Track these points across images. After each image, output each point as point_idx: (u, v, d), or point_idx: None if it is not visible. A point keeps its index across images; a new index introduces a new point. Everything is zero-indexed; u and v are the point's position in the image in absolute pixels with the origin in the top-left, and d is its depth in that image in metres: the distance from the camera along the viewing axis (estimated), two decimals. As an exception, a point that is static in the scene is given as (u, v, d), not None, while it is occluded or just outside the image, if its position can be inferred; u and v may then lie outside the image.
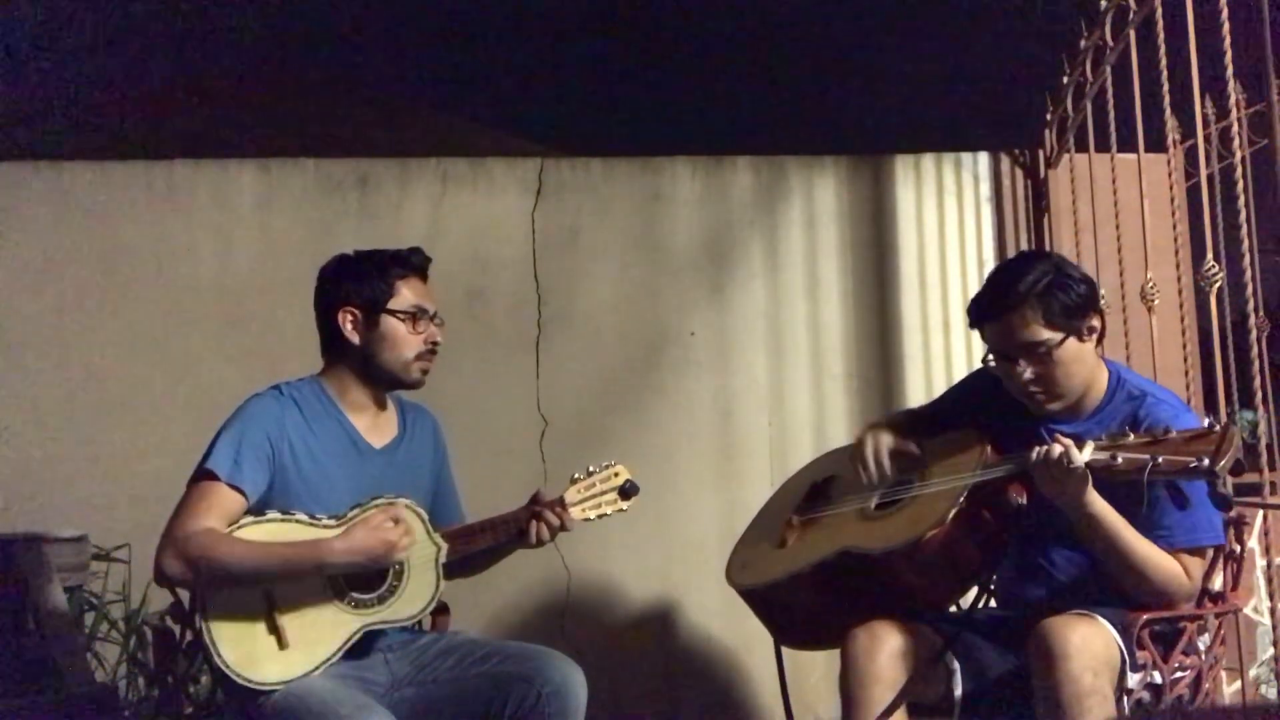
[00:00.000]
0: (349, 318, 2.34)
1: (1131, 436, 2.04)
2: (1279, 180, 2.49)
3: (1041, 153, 3.86)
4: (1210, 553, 2.28)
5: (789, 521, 2.52)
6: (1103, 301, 2.38)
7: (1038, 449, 2.09)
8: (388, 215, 3.68)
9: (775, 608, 2.51)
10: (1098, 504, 2.11)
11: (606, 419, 3.64)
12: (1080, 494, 2.09)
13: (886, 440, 2.43)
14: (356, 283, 2.35)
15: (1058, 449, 2.06)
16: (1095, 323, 2.27)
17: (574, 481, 2.40)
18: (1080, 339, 2.24)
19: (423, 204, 3.71)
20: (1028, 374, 2.23)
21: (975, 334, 3.80)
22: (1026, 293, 2.21)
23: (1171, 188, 3.00)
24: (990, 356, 2.31)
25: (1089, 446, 2.05)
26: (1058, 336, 2.21)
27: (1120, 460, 2.01)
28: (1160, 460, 1.97)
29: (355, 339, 2.34)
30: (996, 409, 2.37)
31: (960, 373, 3.53)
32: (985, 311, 2.28)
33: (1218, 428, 1.98)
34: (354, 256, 2.41)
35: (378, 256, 2.38)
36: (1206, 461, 1.93)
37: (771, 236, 3.80)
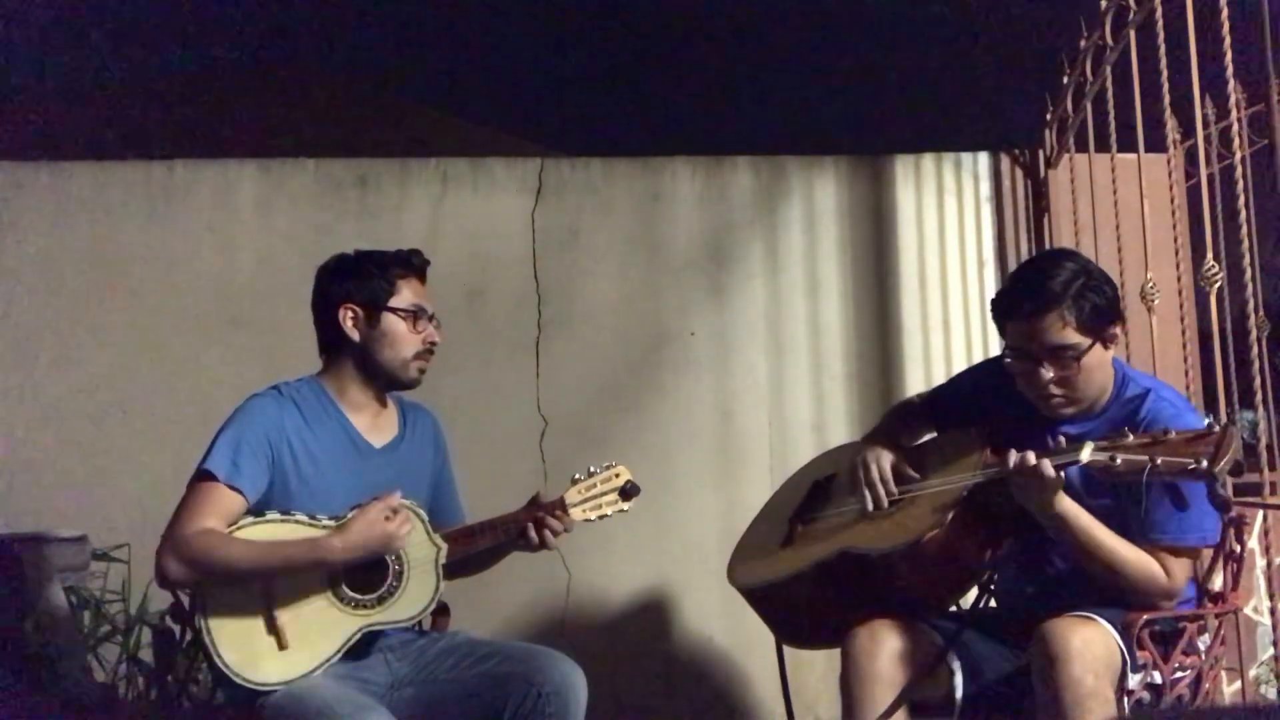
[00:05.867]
0: (350, 314, 2.34)
1: (1131, 438, 2.03)
2: (1279, 180, 2.50)
3: (1041, 153, 3.86)
4: (1199, 553, 2.27)
5: (790, 520, 2.52)
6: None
7: (1012, 457, 2.09)
8: (388, 215, 3.68)
9: (777, 607, 2.51)
10: (1065, 505, 2.12)
11: (606, 419, 3.64)
12: (1047, 499, 2.10)
13: (886, 460, 2.39)
14: (358, 280, 2.35)
15: (1030, 458, 2.07)
16: (1116, 330, 2.24)
17: (574, 482, 2.39)
18: (1105, 346, 2.22)
19: (423, 204, 3.71)
20: (1052, 377, 2.20)
21: (975, 334, 3.84)
22: (1063, 292, 2.16)
23: (1171, 188, 3.00)
24: (1008, 356, 2.27)
25: (1088, 448, 2.04)
26: (1087, 341, 2.17)
27: (1119, 461, 2.00)
28: (1159, 462, 1.96)
29: (355, 336, 2.34)
30: (1003, 406, 2.35)
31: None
32: (1018, 310, 2.21)
33: (1217, 429, 1.98)
34: (354, 255, 2.42)
35: (379, 256, 2.39)
36: (1205, 463, 1.92)
37: (771, 236, 3.80)
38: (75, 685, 2.71)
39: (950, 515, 2.19)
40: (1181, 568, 2.19)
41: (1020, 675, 2.16)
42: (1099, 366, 2.22)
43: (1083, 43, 3.32)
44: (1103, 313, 2.20)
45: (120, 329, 3.53)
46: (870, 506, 2.36)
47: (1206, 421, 2.05)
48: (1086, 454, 2.04)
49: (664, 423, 3.68)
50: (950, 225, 3.85)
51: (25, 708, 2.61)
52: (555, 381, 3.65)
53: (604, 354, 3.69)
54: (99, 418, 3.48)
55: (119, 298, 3.55)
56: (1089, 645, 2.04)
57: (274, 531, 2.18)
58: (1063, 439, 2.12)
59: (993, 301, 2.32)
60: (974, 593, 2.54)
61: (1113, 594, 2.17)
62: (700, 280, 3.76)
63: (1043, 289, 2.18)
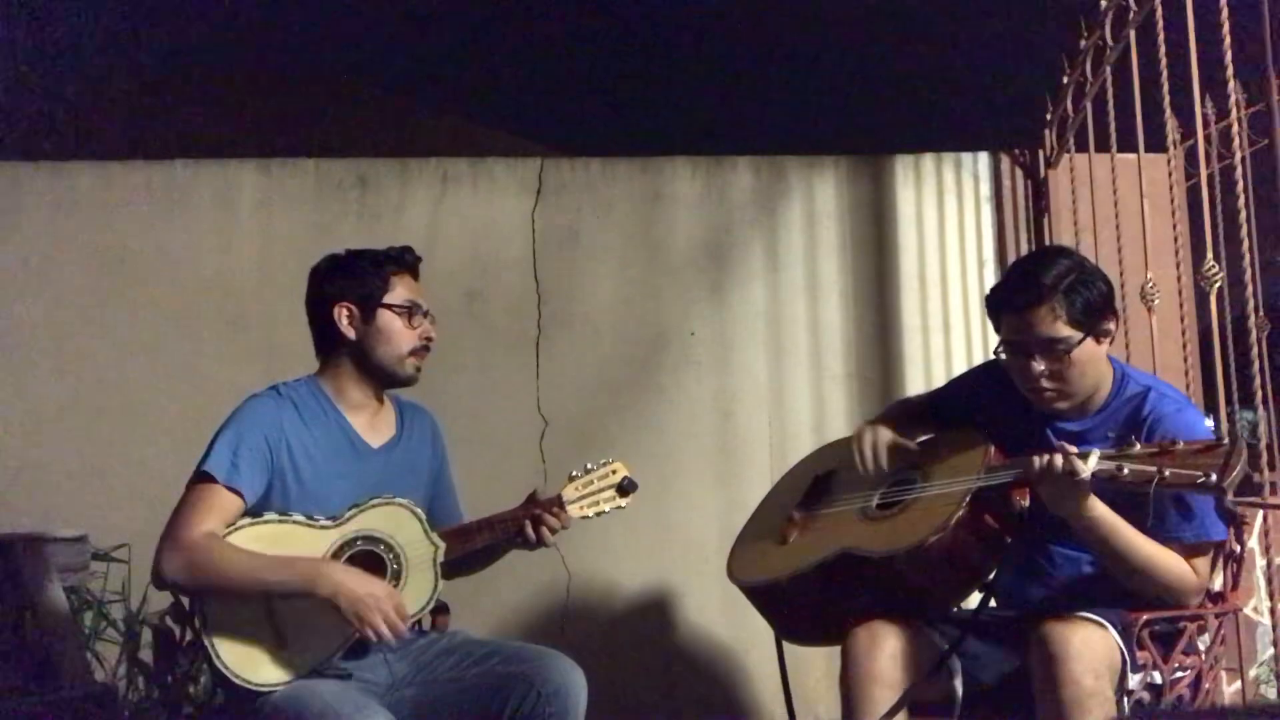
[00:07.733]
0: (345, 312, 2.34)
1: (1138, 446, 2.02)
2: (1279, 180, 2.50)
3: (1041, 153, 3.86)
4: (1214, 549, 2.27)
5: (790, 517, 2.51)
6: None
7: (1039, 460, 2.08)
8: (388, 215, 3.68)
9: (777, 604, 2.50)
10: (1097, 509, 2.10)
11: (606, 419, 3.64)
12: (1080, 503, 2.08)
13: (885, 435, 2.42)
14: (352, 278, 2.36)
15: (1060, 460, 2.04)
16: (1110, 325, 2.25)
17: (571, 479, 2.39)
18: (1097, 341, 2.23)
19: (423, 204, 3.71)
20: (1043, 370, 2.21)
21: (975, 334, 3.84)
22: (1054, 286, 2.18)
23: (1171, 188, 3.00)
24: (1002, 349, 2.28)
25: (1094, 456, 2.03)
26: (1077, 335, 2.19)
27: (1126, 471, 1.99)
28: (1167, 473, 1.95)
29: (351, 334, 2.34)
30: (1001, 404, 2.36)
31: (960, 373, 3.53)
32: (1009, 302, 2.24)
33: (1226, 441, 1.96)
34: (347, 254, 2.42)
35: (371, 254, 2.40)
36: (1214, 477, 1.91)
37: (771, 236, 3.80)
38: (75, 685, 2.71)
39: (954, 518, 2.19)
40: (1205, 564, 2.20)
41: (1020, 675, 2.16)
42: (1090, 361, 2.22)
43: (1083, 43, 3.32)
44: (1094, 307, 2.21)
45: (120, 329, 3.54)
46: (860, 467, 2.40)
47: (1214, 432, 2.03)
48: (1093, 462, 2.02)
49: (664, 423, 3.68)
50: (950, 225, 3.85)
51: (25, 708, 2.61)
52: (555, 381, 3.65)
53: (604, 354, 3.69)
54: (99, 418, 3.49)
55: (119, 298, 3.55)
56: (1089, 645, 2.04)
57: (272, 532, 2.18)
58: (1065, 443, 2.11)
59: (987, 295, 2.34)
60: (976, 596, 2.54)
61: (1138, 595, 2.16)
62: (700, 280, 3.76)
63: (1034, 282, 2.20)
